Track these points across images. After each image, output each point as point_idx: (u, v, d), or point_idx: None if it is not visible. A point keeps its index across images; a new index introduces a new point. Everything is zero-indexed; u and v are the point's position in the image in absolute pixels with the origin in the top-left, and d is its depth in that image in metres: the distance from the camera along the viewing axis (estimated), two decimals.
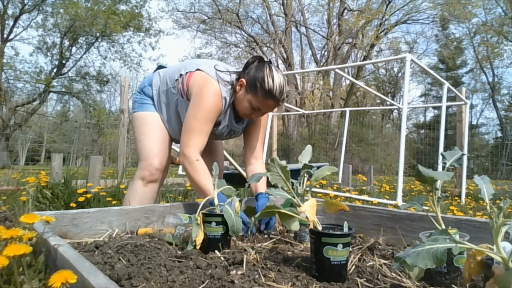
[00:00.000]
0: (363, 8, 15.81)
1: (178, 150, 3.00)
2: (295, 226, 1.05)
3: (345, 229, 0.97)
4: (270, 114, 5.03)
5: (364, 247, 1.24)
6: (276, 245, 1.25)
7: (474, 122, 25.89)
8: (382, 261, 1.07)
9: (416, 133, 24.02)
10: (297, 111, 6.77)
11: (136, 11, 17.14)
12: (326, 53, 18.42)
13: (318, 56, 19.07)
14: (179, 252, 1.06)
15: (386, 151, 16.48)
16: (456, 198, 4.15)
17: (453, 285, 0.90)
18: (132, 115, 1.83)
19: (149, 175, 1.67)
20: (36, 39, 18.31)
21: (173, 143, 1.86)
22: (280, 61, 17.18)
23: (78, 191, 2.56)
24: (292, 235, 1.41)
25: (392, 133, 19.14)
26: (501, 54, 20.07)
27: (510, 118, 20.54)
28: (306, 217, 0.98)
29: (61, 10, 16.04)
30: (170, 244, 1.16)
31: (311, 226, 0.97)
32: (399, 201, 2.68)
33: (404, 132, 2.91)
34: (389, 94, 24.01)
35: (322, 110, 15.97)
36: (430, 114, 26.05)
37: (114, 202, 2.45)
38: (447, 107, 4.77)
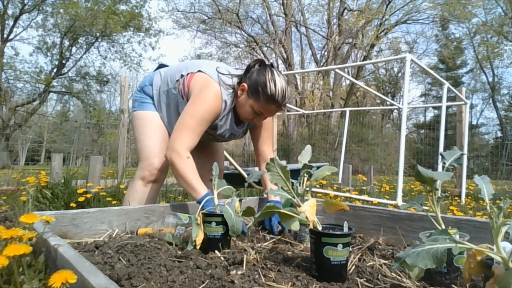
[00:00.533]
0: (363, 8, 15.81)
1: None
2: (295, 226, 1.05)
3: (345, 229, 0.97)
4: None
5: (364, 247, 1.24)
6: (276, 245, 1.25)
7: (474, 122, 25.91)
8: (382, 261, 1.07)
9: (416, 133, 24.02)
10: (297, 111, 6.78)
11: (136, 11, 17.12)
12: (326, 53, 18.44)
13: (318, 56, 19.10)
14: (179, 252, 1.06)
15: (386, 151, 16.48)
16: (456, 198, 4.15)
17: (453, 285, 0.90)
18: (132, 114, 1.82)
19: (149, 175, 1.67)
20: (36, 39, 18.31)
21: None
22: (280, 61, 17.19)
23: (78, 191, 2.55)
24: (292, 235, 1.41)
25: (392, 133, 19.14)
26: (501, 54, 20.08)
27: (510, 118, 20.54)
28: (306, 217, 0.98)
29: (61, 10, 16.02)
30: (170, 244, 1.16)
31: (311, 226, 0.97)
32: (399, 201, 2.68)
33: (404, 132, 2.91)
34: (389, 94, 24.01)
35: (322, 110, 15.97)
36: (430, 114, 26.07)
37: (114, 202, 2.45)
38: (447, 107, 4.77)
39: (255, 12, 17.93)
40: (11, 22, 16.80)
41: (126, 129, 4.94)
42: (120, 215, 1.33)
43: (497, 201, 0.81)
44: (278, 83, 1.48)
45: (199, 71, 1.60)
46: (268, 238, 1.36)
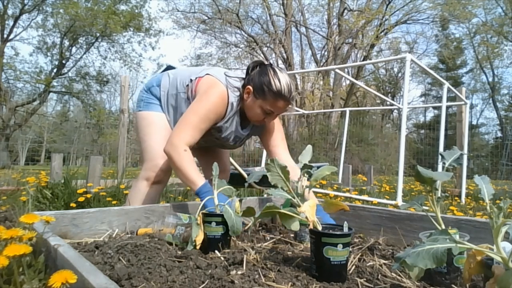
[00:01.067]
0: (363, 8, 15.82)
1: None
2: (295, 226, 1.05)
3: (345, 229, 0.97)
4: None
5: (364, 247, 1.24)
6: (276, 245, 1.25)
7: (474, 122, 25.91)
8: (382, 261, 1.07)
9: (416, 133, 24.02)
10: (297, 111, 6.78)
11: (136, 11, 17.12)
12: (326, 53, 18.44)
13: (318, 56, 19.10)
14: (179, 252, 1.06)
15: (386, 151, 16.48)
16: (456, 198, 4.15)
17: (453, 285, 0.90)
18: (137, 114, 1.80)
19: (154, 176, 1.66)
20: (36, 39, 18.30)
21: None
22: (280, 61, 17.19)
23: (78, 191, 2.55)
24: (292, 235, 1.41)
25: (392, 133, 19.13)
26: (501, 54, 20.08)
27: (510, 118, 20.54)
28: (306, 217, 0.98)
29: (61, 10, 16.01)
30: (170, 244, 1.16)
31: (311, 226, 0.97)
32: (399, 201, 2.68)
33: (404, 132, 2.91)
34: (389, 94, 24.01)
35: (322, 110, 15.98)
36: (430, 114, 26.07)
37: (114, 202, 2.45)
38: (447, 107, 4.77)
39: (255, 12, 17.96)
40: (11, 22, 16.82)
41: (126, 129, 4.94)
42: (120, 215, 1.33)
43: (497, 201, 0.81)
44: (282, 78, 1.51)
45: (207, 74, 1.61)
46: (268, 238, 1.36)
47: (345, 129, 5.96)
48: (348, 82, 17.50)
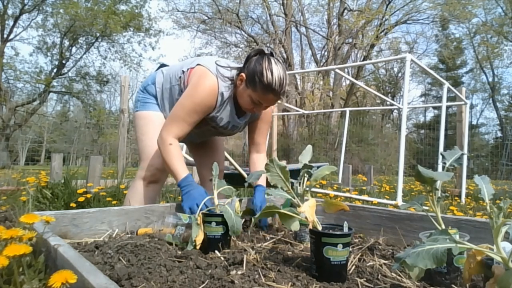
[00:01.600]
0: (363, 8, 15.81)
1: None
2: (295, 226, 1.05)
3: (345, 229, 0.97)
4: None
5: (364, 247, 1.24)
6: (276, 245, 1.25)
7: (474, 122, 25.91)
8: (382, 261, 1.07)
9: (416, 133, 24.03)
10: (297, 111, 6.78)
11: (136, 11, 17.11)
12: (326, 53, 18.43)
13: (318, 56, 19.09)
14: (179, 252, 1.06)
15: (386, 151, 16.48)
16: (456, 198, 4.15)
17: (453, 285, 0.90)
18: (135, 114, 1.81)
19: (150, 176, 1.67)
20: (36, 39, 18.30)
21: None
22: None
23: (78, 191, 2.55)
24: (292, 235, 1.41)
25: (392, 133, 19.13)
26: (501, 54, 20.07)
27: (510, 118, 20.54)
28: (306, 217, 0.98)
29: (61, 10, 16.01)
30: (170, 244, 1.16)
31: (311, 226, 0.97)
32: (399, 201, 2.68)
33: (404, 132, 2.91)
34: (389, 94, 24.00)
35: (322, 110, 15.97)
36: (430, 114, 26.07)
37: (114, 202, 2.45)
38: (447, 107, 4.77)
39: (255, 12, 17.94)
40: (11, 22, 16.81)
41: (126, 129, 4.94)
42: (120, 215, 1.33)
43: (497, 201, 0.81)
44: (275, 71, 1.45)
45: (198, 64, 1.61)
46: (268, 238, 1.36)
47: (345, 129, 5.96)
48: (348, 82, 17.51)
